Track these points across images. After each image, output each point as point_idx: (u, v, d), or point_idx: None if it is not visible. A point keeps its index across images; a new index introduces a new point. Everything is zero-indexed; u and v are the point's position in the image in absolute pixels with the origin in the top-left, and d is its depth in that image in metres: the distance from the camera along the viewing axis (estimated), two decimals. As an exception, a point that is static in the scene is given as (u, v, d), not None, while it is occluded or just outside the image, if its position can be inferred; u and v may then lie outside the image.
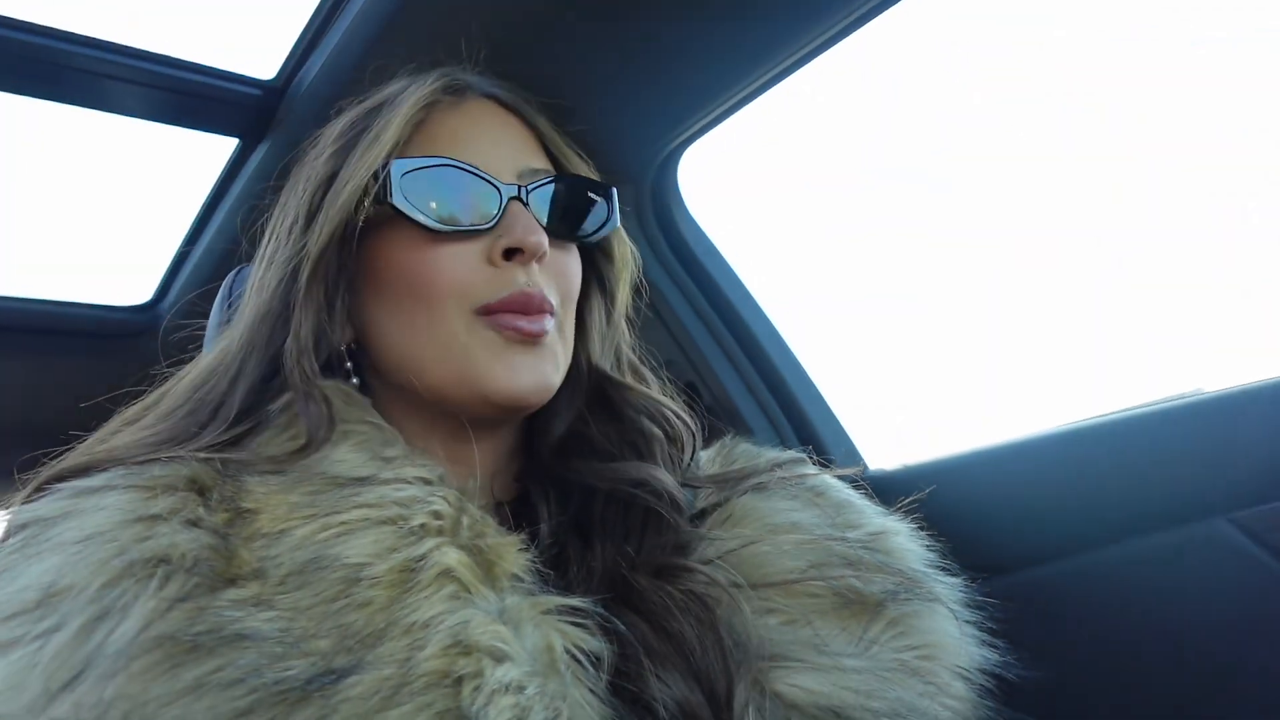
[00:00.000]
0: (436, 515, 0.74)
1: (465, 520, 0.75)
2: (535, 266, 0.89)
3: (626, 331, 1.08)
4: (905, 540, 0.90)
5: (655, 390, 1.04)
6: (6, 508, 0.76)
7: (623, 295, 1.07)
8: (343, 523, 0.70)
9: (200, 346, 1.15)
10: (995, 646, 0.85)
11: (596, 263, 1.04)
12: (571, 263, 0.96)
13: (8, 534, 0.71)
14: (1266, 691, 1.19)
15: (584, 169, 1.02)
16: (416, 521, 0.72)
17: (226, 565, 0.67)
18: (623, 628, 0.75)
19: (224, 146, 1.72)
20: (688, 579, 0.82)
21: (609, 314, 1.05)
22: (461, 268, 0.87)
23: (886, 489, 1.00)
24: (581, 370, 1.00)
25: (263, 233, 0.99)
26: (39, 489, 0.77)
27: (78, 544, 0.66)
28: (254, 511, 0.72)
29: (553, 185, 0.94)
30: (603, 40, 1.37)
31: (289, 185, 0.98)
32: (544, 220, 0.92)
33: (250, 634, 0.62)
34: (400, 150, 0.91)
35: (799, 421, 1.75)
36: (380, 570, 0.68)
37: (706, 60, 1.44)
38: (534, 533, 0.81)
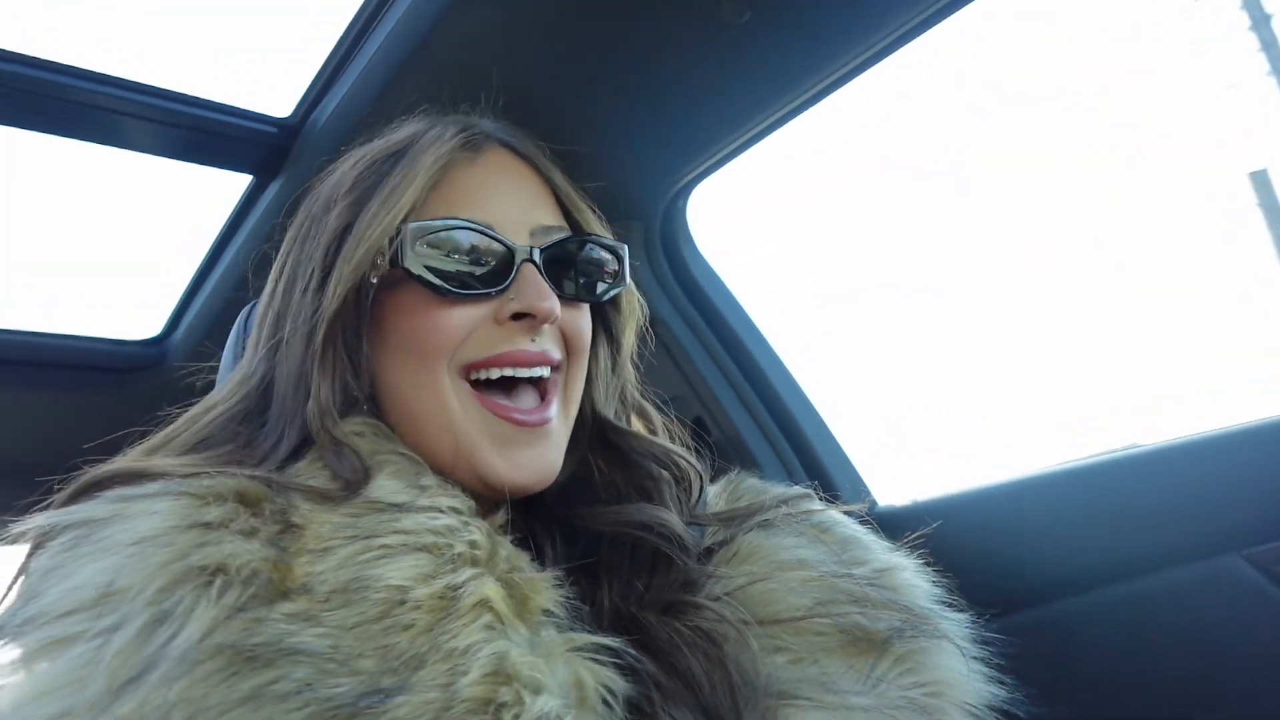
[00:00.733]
0: (474, 545, 0.75)
1: (502, 553, 0.77)
2: (545, 329, 0.90)
3: (632, 374, 1.08)
4: (912, 576, 0.90)
5: (661, 432, 1.04)
6: (42, 511, 0.76)
7: (628, 341, 1.07)
8: (382, 546, 0.72)
9: (211, 383, 1.16)
10: (1003, 683, 0.84)
11: (603, 312, 1.05)
12: (583, 320, 0.97)
13: (52, 534, 0.71)
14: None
15: (596, 224, 1.02)
16: (456, 550, 0.73)
17: (282, 578, 0.69)
18: (650, 668, 0.76)
19: (237, 183, 1.73)
20: (696, 616, 0.82)
21: (614, 360, 1.06)
22: (464, 327, 0.88)
23: (895, 525, 1.00)
24: (586, 418, 1.00)
25: (270, 264, 0.99)
26: (79, 494, 0.77)
27: (132, 546, 0.67)
28: (301, 527, 0.73)
29: (567, 245, 0.95)
30: (613, 81, 1.39)
31: (300, 221, 0.99)
32: (557, 281, 0.92)
33: (303, 649, 0.64)
34: (418, 210, 0.91)
35: (807, 456, 1.76)
36: (421, 595, 0.69)
37: (715, 100, 1.47)
38: (569, 574, 0.82)
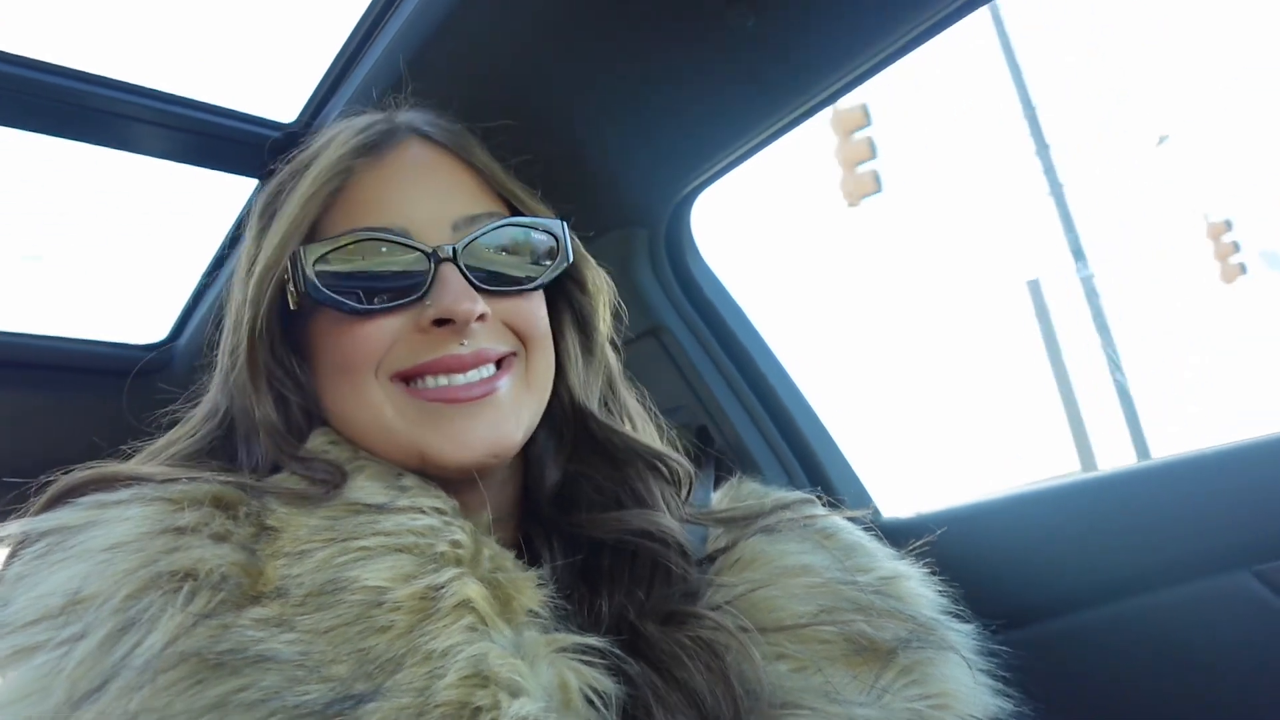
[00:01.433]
0: (457, 545, 0.74)
1: (486, 552, 0.76)
2: (475, 328, 0.86)
3: (615, 360, 1.04)
4: (917, 585, 0.89)
5: (650, 430, 1.02)
6: (18, 517, 0.75)
7: (602, 324, 1.02)
8: (361, 548, 0.71)
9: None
10: (1009, 696, 0.83)
11: (569, 292, 1.00)
12: (528, 308, 0.92)
13: (26, 541, 0.71)
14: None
15: (531, 203, 0.97)
16: (438, 549, 0.72)
17: (253, 582, 0.68)
18: (635, 668, 0.75)
19: (243, 187, 1.74)
20: (696, 625, 0.81)
21: (587, 345, 1.01)
22: (386, 339, 0.85)
23: (900, 535, 0.99)
24: (565, 409, 0.97)
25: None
26: (56, 499, 0.77)
27: (103, 552, 0.67)
28: (277, 530, 0.73)
29: (492, 235, 0.89)
30: (616, 88, 1.39)
31: (246, 234, 0.97)
32: (484, 275, 0.87)
33: (272, 655, 0.63)
34: (317, 227, 0.88)
35: (811, 465, 1.74)
36: (401, 595, 0.68)
37: (720, 106, 1.46)
38: (552, 573, 0.81)
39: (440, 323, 0.84)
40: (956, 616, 0.88)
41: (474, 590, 0.70)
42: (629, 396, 1.04)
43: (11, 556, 0.72)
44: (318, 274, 0.84)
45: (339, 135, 0.93)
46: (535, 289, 0.93)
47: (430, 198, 0.90)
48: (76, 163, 1.73)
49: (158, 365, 2.22)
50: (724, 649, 0.79)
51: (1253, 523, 1.24)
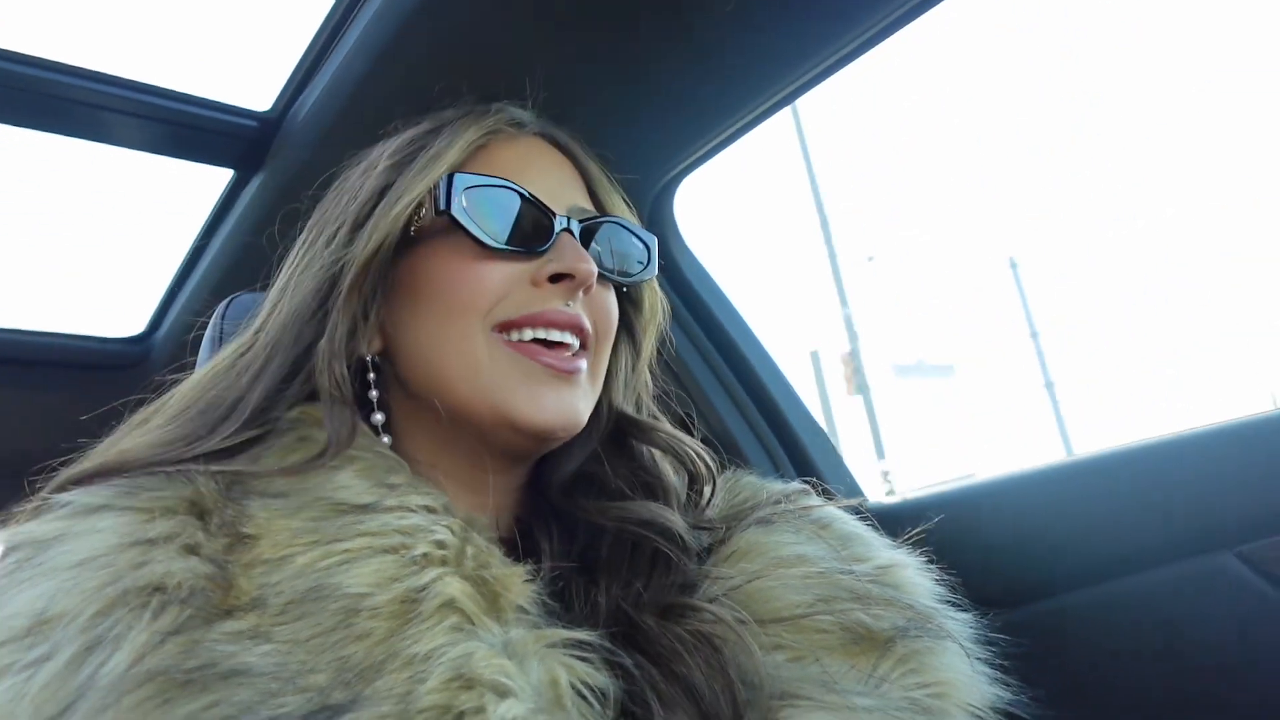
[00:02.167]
0: (440, 545, 0.72)
1: (470, 550, 0.74)
2: (580, 295, 0.89)
3: (649, 382, 1.07)
4: (914, 574, 0.89)
5: (676, 429, 1.03)
6: (4, 526, 0.74)
7: (648, 345, 1.07)
8: (345, 550, 0.69)
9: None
10: (1007, 684, 0.83)
11: (625, 311, 1.03)
12: (611, 301, 0.96)
13: (4, 555, 0.69)
14: (1271, 723, 1.17)
15: (630, 216, 1.02)
16: (419, 550, 0.71)
17: (224, 596, 0.66)
18: (629, 662, 0.74)
19: (219, 178, 1.71)
20: (694, 618, 0.80)
21: (634, 362, 1.05)
22: (501, 284, 0.87)
23: (888, 522, 0.99)
24: (602, 412, 0.99)
25: (278, 262, 0.99)
26: (46, 501, 0.75)
27: (71, 569, 0.65)
28: (254, 537, 0.70)
29: (601, 225, 0.95)
30: (594, 73, 1.37)
31: (327, 198, 0.98)
32: (593, 254, 0.92)
33: (245, 670, 0.61)
34: (461, 168, 0.91)
35: (797, 454, 1.74)
36: (381, 601, 0.66)
37: (701, 91, 1.44)
38: (537, 568, 0.80)
39: (556, 279, 0.88)
40: (954, 605, 0.87)
41: (457, 589, 0.69)
42: (657, 410, 1.07)
43: None
44: (464, 200, 0.87)
45: (472, 111, 0.98)
46: (626, 282, 0.99)
47: (554, 180, 0.96)
48: (46, 155, 1.70)
49: (136, 358, 2.20)
50: (722, 642, 0.78)
51: (1235, 504, 1.24)
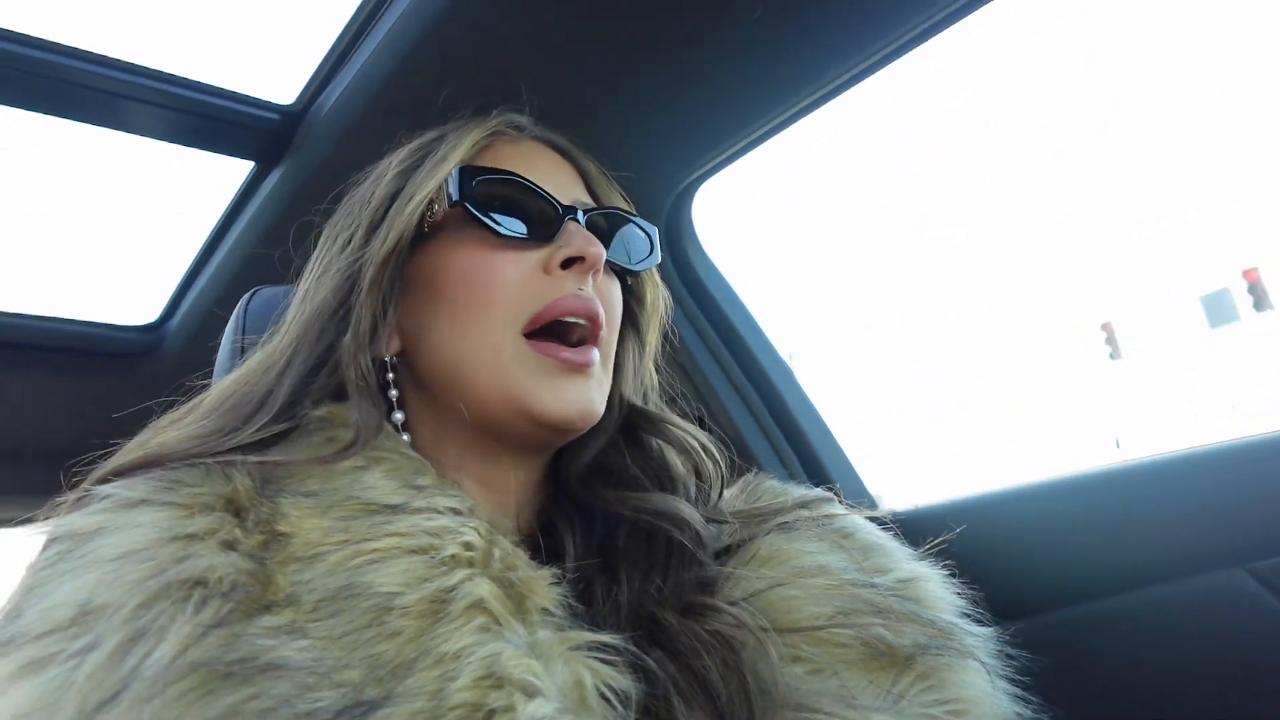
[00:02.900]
0: (468, 546, 0.73)
1: (497, 552, 0.75)
2: (591, 280, 0.92)
3: (654, 378, 1.09)
4: (936, 588, 0.88)
5: (685, 423, 1.04)
6: (47, 517, 0.75)
7: (653, 339, 1.08)
8: (375, 550, 0.70)
9: (211, 366, 1.15)
10: (1027, 701, 0.83)
11: (628, 306, 1.05)
12: (616, 291, 0.99)
13: (44, 546, 0.70)
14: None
15: (629, 209, 1.05)
16: (448, 552, 0.72)
17: (263, 591, 0.67)
18: (654, 666, 0.75)
19: (238, 169, 1.72)
20: (715, 619, 0.81)
21: (640, 356, 1.07)
22: (517, 276, 0.89)
23: (908, 529, 0.99)
24: (613, 404, 1.00)
25: (295, 256, 1.01)
26: (88, 491, 0.76)
27: (113, 561, 0.66)
28: (288, 535, 0.71)
29: (603, 215, 0.99)
30: (619, 75, 1.38)
31: (340, 209, 1.00)
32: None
33: (283, 664, 0.62)
34: (469, 163, 0.94)
35: (809, 459, 1.74)
36: (411, 600, 0.67)
37: (723, 97, 1.45)
38: (563, 571, 0.80)
39: (567, 265, 0.90)
40: (975, 619, 0.87)
41: (486, 590, 0.70)
42: (664, 404, 1.08)
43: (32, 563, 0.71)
44: (474, 191, 0.90)
45: (474, 119, 1.01)
46: (630, 270, 1.02)
47: (556, 177, 0.98)
48: (67, 141, 1.71)
49: (150, 346, 2.21)
50: (741, 645, 0.78)
51: (1249, 520, 1.25)
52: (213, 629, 0.62)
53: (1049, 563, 1.43)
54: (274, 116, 1.56)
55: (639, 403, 1.03)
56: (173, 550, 0.66)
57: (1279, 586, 1.19)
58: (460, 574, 0.70)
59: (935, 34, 1.32)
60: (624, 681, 0.70)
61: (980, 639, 0.85)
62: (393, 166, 0.96)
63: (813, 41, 1.32)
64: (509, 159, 0.97)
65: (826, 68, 1.38)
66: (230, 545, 0.69)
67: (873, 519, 0.97)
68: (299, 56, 1.49)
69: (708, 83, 1.40)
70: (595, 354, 0.91)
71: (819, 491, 1.01)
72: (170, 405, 0.91)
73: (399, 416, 0.91)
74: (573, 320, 0.90)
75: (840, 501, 0.99)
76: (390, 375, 0.92)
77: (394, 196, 0.92)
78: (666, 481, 0.96)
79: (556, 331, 0.90)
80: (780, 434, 1.76)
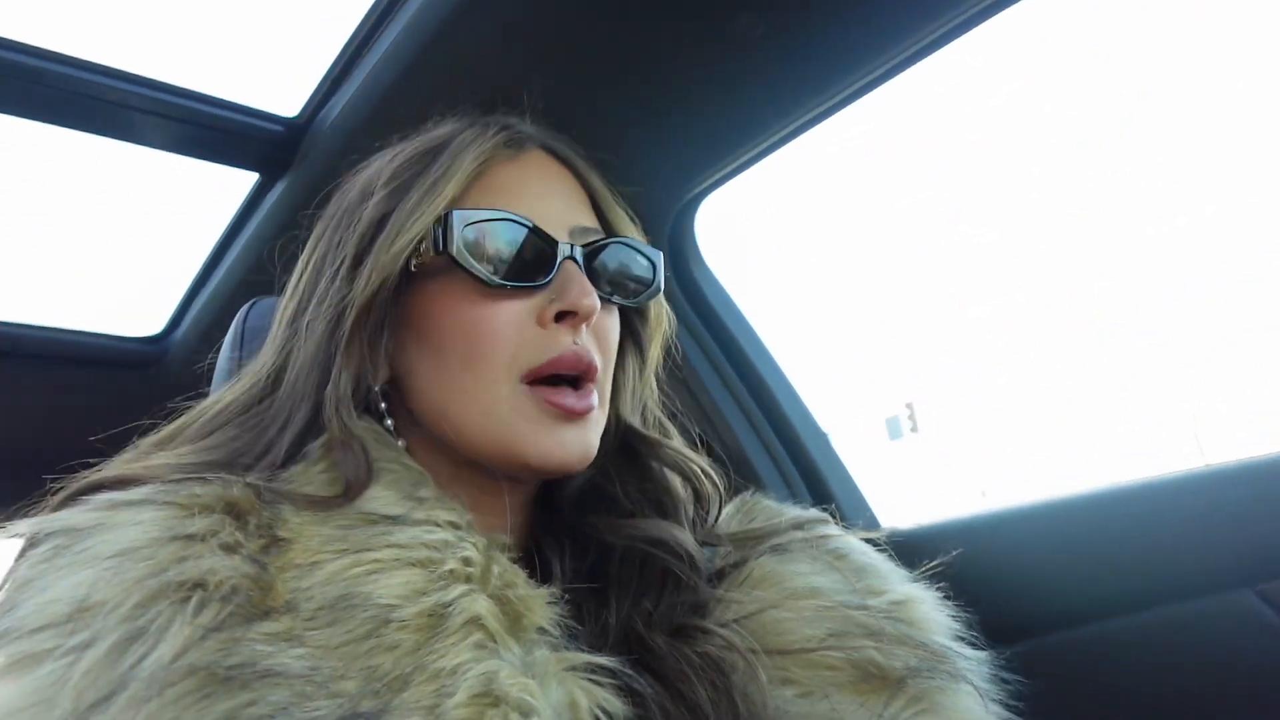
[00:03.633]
0: (467, 562, 0.73)
1: (495, 569, 0.74)
2: (584, 329, 0.88)
3: (655, 388, 1.06)
4: (930, 610, 0.87)
5: (682, 445, 1.02)
6: (32, 516, 0.74)
7: (654, 354, 1.05)
8: (374, 560, 0.70)
9: (211, 379, 1.14)
10: None
11: (631, 321, 1.03)
12: (613, 325, 0.95)
13: (34, 542, 0.69)
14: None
15: (633, 230, 1.01)
16: (447, 566, 0.71)
17: (263, 596, 0.66)
18: (647, 690, 0.74)
19: (243, 180, 1.72)
20: (704, 641, 0.80)
21: (640, 372, 1.04)
22: (511, 329, 0.86)
23: (906, 549, 0.98)
24: (610, 427, 0.97)
25: (294, 260, 0.98)
26: (70, 499, 0.75)
27: (111, 558, 0.65)
28: (288, 541, 0.71)
29: (605, 248, 0.93)
30: (621, 90, 1.38)
31: (329, 216, 0.97)
32: (596, 281, 0.90)
33: (281, 671, 0.61)
34: (459, 201, 0.89)
35: (812, 477, 1.73)
36: (409, 613, 0.67)
37: (726, 113, 1.45)
38: (560, 592, 0.79)
39: (561, 317, 0.87)
40: (969, 641, 0.86)
41: (483, 607, 0.69)
42: (664, 419, 1.05)
43: (18, 558, 0.70)
44: (463, 240, 0.86)
45: (470, 129, 0.95)
46: (631, 305, 0.97)
47: (555, 201, 0.93)
48: (70, 151, 1.72)
49: (153, 357, 2.21)
50: (730, 668, 0.77)
51: (1257, 541, 1.24)
52: (212, 632, 0.62)
53: (1048, 584, 1.42)
54: (278, 128, 1.56)
55: (636, 422, 1.00)
56: (173, 550, 0.66)
57: (1287, 609, 1.18)
58: (458, 589, 0.69)
59: (933, 51, 1.32)
60: (617, 704, 0.69)
61: (974, 662, 0.83)
62: (381, 182, 0.92)
63: (814, 58, 1.32)
64: (504, 184, 0.92)
65: (828, 83, 1.38)
66: (231, 548, 0.68)
67: (868, 539, 0.96)
68: (303, 68, 1.50)
69: (710, 97, 1.41)
70: (594, 397, 0.88)
71: (814, 512, 0.99)
72: (170, 421, 0.90)
73: (389, 422, 0.89)
74: (570, 375, 0.87)
75: (836, 522, 0.98)
76: (383, 404, 0.89)
77: (380, 223, 0.89)
78: (665, 503, 0.94)
79: (552, 381, 0.87)
80: (783, 450, 1.75)
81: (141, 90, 1.48)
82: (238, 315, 1.18)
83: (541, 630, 0.72)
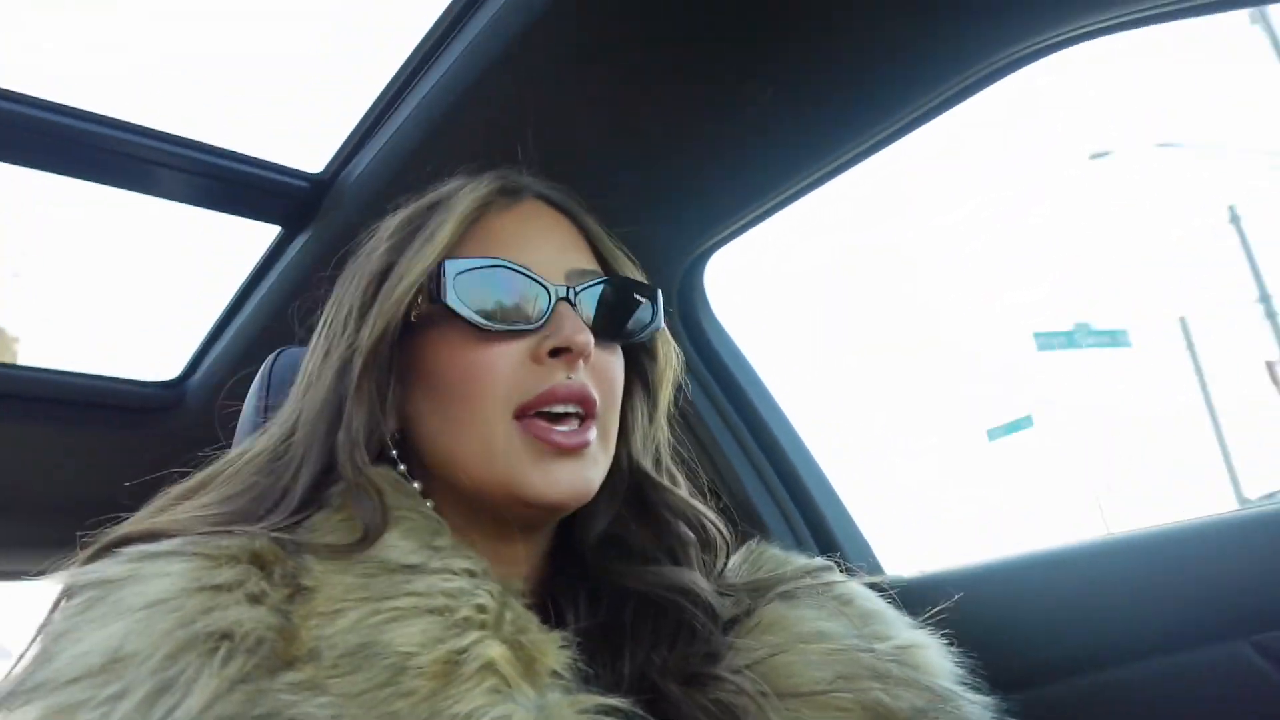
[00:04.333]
0: (481, 609, 0.74)
1: (509, 615, 0.76)
2: (580, 365, 0.89)
3: (666, 432, 1.07)
4: (935, 655, 0.89)
5: (690, 494, 1.03)
6: (64, 569, 0.76)
7: (665, 395, 1.06)
8: (394, 609, 0.72)
9: (231, 424, 1.17)
10: None
11: (640, 362, 1.04)
12: (615, 363, 0.96)
13: (69, 594, 0.72)
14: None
15: (631, 270, 1.03)
16: (461, 614, 0.73)
17: (287, 646, 0.68)
18: None
19: (265, 232, 1.76)
20: (716, 688, 0.81)
21: (650, 414, 1.05)
22: (506, 367, 0.88)
23: (909, 597, 1.00)
24: (623, 469, 0.99)
25: (316, 319, 1.01)
26: (102, 551, 0.77)
27: (142, 610, 0.67)
28: (312, 590, 0.73)
29: (600, 287, 0.95)
30: (636, 148, 1.43)
31: (344, 276, 1.00)
32: (590, 321, 0.92)
33: (305, 718, 0.64)
34: (455, 249, 0.92)
35: (819, 529, 1.75)
36: (426, 660, 0.69)
37: (736, 170, 1.50)
38: (566, 638, 0.80)
39: (555, 354, 0.88)
40: (973, 687, 0.88)
41: (497, 652, 0.71)
42: (674, 466, 1.06)
43: (52, 609, 0.73)
44: (456, 287, 0.88)
45: (469, 183, 0.99)
46: (629, 341, 0.99)
47: (550, 246, 0.96)
48: (95, 201, 1.75)
49: (170, 403, 2.24)
50: (743, 713, 0.79)
51: (1253, 593, 1.25)
52: (239, 684, 0.64)
53: (1048, 634, 1.43)
54: (303, 184, 1.60)
55: (648, 465, 1.01)
56: (200, 601, 0.68)
57: (1283, 661, 1.19)
58: (472, 635, 0.71)
59: (942, 112, 1.37)
60: None
61: (979, 706, 0.86)
62: (384, 238, 0.96)
63: (823, 119, 1.37)
64: (499, 232, 0.95)
65: (838, 142, 1.42)
66: (257, 599, 0.71)
67: (872, 585, 0.98)
68: (329, 126, 1.54)
69: (721, 156, 1.45)
70: (591, 433, 0.89)
71: (819, 560, 1.01)
72: (189, 466, 0.93)
73: (403, 468, 0.92)
74: (563, 410, 0.88)
75: (841, 569, 1.00)
76: (394, 452, 0.92)
77: (384, 275, 0.92)
78: (678, 552, 0.96)
79: (548, 415, 0.88)
80: (790, 500, 1.77)
81: (168, 146, 1.51)
82: (264, 364, 1.21)
83: (555, 674, 0.74)
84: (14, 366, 2.14)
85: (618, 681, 0.84)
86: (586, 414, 0.90)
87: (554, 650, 0.75)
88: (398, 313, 0.89)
